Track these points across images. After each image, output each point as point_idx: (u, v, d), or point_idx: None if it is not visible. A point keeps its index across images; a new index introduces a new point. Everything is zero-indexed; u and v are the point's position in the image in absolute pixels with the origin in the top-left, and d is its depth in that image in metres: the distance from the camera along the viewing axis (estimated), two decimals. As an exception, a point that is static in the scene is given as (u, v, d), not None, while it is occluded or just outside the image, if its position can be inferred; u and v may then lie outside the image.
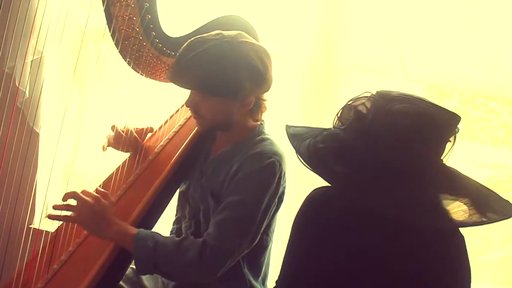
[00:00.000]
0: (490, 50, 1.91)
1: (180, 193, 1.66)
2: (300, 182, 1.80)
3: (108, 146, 1.67)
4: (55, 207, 1.39)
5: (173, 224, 1.70)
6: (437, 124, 1.11)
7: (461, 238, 1.19)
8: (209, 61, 1.39)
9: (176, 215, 1.69)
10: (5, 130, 1.49)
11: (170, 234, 1.69)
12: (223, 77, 1.39)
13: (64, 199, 1.38)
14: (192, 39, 1.44)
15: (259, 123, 1.55)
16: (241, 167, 1.45)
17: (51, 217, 1.40)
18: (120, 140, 1.65)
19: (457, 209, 1.11)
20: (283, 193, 1.50)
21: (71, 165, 2.02)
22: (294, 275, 1.30)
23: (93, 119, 2.22)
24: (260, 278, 1.60)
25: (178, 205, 1.68)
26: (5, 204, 1.53)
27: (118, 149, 1.69)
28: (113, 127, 1.66)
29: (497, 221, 1.11)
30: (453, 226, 1.14)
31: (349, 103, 1.18)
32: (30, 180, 1.83)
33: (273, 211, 1.49)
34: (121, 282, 1.56)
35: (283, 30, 1.92)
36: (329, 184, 1.20)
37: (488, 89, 2.04)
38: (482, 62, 1.92)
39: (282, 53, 1.93)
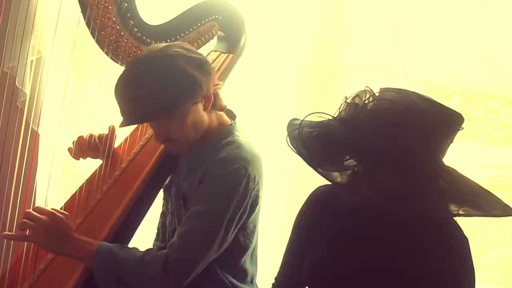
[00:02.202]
0: (490, 50, 1.91)
1: (164, 186, 1.61)
2: (295, 181, 1.80)
3: (73, 155, 1.61)
4: (6, 237, 1.32)
5: (160, 218, 1.67)
6: (424, 117, 1.09)
7: (466, 241, 1.18)
8: (153, 81, 1.32)
9: (162, 207, 1.67)
10: (5, 130, 1.49)
11: (157, 227, 1.68)
12: (176, 85, 1.33)
13: (21, 222, 1.32)
14: (118, 80, 1.37)
15: (229, 122, 1.49)
16: (205, 174, 1.40)
17: (7, 236, 1.33)
18: (83, 147, 1.59)
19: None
20: (257, 196, 1.45)
21: (71, 165, 2.02)
22: (294, 272, 1.30)
23: (93, 119, 2.22)
24: (248, 277, 1.58)
25: (163, 198, 1.65)
26: (5, 204, 1.53)
27: (87, 157, 1.64)
28: (79, 137, 1.60)
29: (477, 216, 1.12)
30: (446, 217, 1.14)
31: (347, 98, 1.18)
32: (30, 180, 1.83)
33: (244, 216, 1.44)
34: None
35: (282, 30, 1.92)
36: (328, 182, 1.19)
37: (488, 89, 2.04)
38: (482, 62, 1.92)
39: (281, 53, 1.93)
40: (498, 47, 1.90)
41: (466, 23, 1.87)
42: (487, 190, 1.14)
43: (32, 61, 2.00)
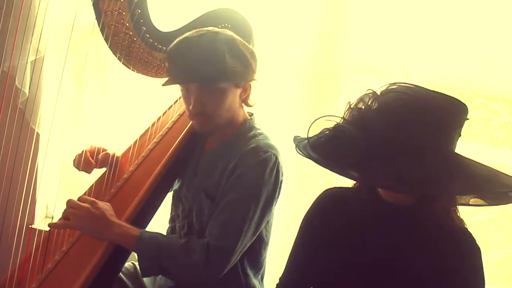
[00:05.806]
0: (490, 50, 1.91)
1: (174, 192, 1.65)
2: (297, 181, 1.80)
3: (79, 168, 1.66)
4: (52, 226, 1.41)
5: (169, 223, 1.69)
6: (431, 100, 1.09)
7: (478, 250, 1.18)
8: (210, 50, 1.38)
9: (171, 213, 1.69)
10: (5, 130, 1.49)
11: (166, 233, 1.69)
12: (229, 61, 1.39)
13: (65, 211, 1.39)
14: (180, 39, 1.42)
15: (249, 117, 1.54)
16: (238, 164, 1.44)
17: (51, 225, 1.41)
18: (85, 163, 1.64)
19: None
20: (281, 186, 1.49)
21: (71, 165, 2.02)
22: (300, 273, 1.30)
23: (93, 119, 2.22)
24: (259, 274, 1.60)
25: (172, 204, 1.67)
26: (5, 204, 1.53)
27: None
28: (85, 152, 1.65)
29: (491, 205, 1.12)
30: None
31: (350, 103, 1.17)
32: (30, 180, 1.83)
33: (274, 204, 1.48)
34: (121, 275, 1.57)
35: (283, 31, 1.91)
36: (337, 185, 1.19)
37: (488, 89, 2.04)
38: (482, 62, 1.92)
39: (282, 54, 1.93)
40: (498, 47, 1.90)
41: (466, 23, 1.87)
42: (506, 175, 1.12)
43: (32, 61, 2.00)
